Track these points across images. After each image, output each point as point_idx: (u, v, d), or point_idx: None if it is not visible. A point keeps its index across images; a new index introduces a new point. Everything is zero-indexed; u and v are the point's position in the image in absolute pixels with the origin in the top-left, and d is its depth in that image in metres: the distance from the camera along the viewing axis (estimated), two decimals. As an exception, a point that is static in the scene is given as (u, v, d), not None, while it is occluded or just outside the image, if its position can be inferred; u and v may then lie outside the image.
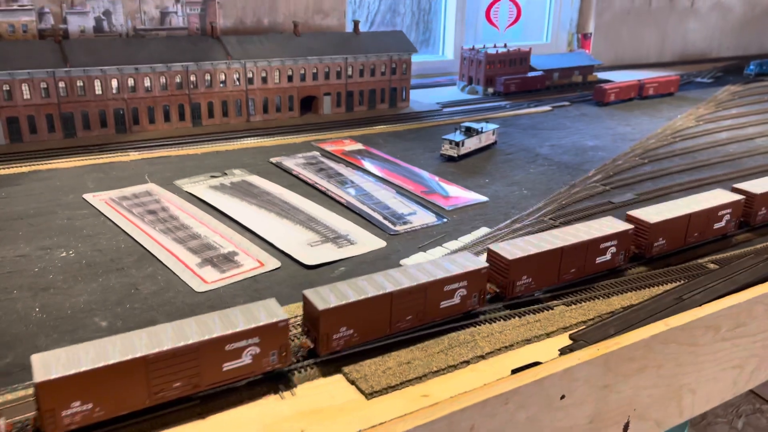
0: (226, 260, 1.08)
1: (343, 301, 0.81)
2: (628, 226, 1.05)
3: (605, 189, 1.49)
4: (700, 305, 0.93)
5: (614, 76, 2.88)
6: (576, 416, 0.83)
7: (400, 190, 1.44)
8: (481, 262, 0.93)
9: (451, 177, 1.55)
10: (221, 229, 1.20)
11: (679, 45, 3.57)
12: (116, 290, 1.00)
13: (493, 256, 0.96)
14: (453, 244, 1.18)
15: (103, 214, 1.27)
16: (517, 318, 0.93)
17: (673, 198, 1.24)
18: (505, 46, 2.63)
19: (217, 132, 1.85)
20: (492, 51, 2.51)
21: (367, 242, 1.18)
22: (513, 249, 0.96)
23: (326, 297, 0.81)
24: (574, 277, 1.02)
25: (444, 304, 0.89)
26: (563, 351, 0.85)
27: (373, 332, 0.84)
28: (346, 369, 0.81)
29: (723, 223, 1.18)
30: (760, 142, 1.93)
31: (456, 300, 0.89)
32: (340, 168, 1.58)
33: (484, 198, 1.41)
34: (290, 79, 2.00)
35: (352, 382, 0.79)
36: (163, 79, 1.82)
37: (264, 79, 1.95)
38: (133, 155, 1.65)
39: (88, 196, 1.35)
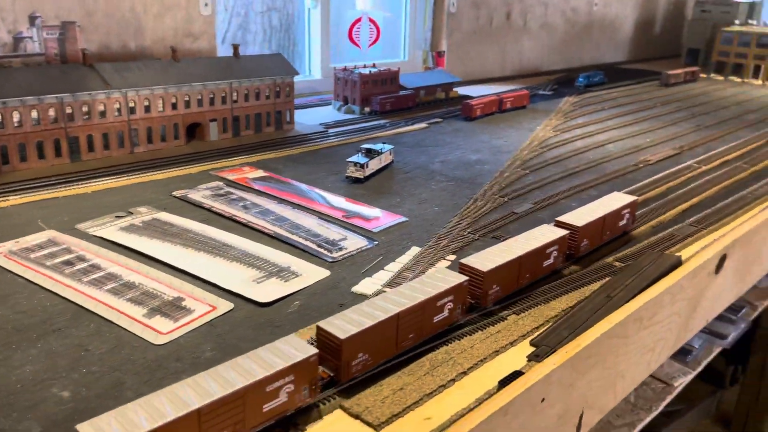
0: (175, 307, 1.03)
1: (360, 327, 0.83)
2: (564, 232, 1.19)
3: (504, 200, 1.63)
4: (627, 301, 1.07)
5: (469, 91, 3.11)
6: (550, 416, 0.92)
7: (322, 216, 1.46)
8: (460, 276, 1.00)
9: (363, 199, 1.60)
10: (155, 275, 1.14)
11: (516, 60, 3.94)
12: (63, 354, 0.91)
13: (466, 270, 1.03)
14: (393, 267, 1.22)
15: (7, 270, 1.14)
16: (480, 332, 1.00)
17: (562, 204, 1.39)
18: (374, 65, 2.74)
19: (101, 167, 1.72)
20: (364, 71, 2.59)
21: (311, 273, 1.18)
22: (484, 262, 1.04)
23: (342, 326, 0.83)
24: (528, 281, 1.13)
25: (437, 318, 0.94)
26: (531, 357, 0.94)
27: (383, 354, 0.88)
28: (346, 404, 0.82)
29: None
30: (611, 148, 2.21)
31: (445, 313, 0.96)
32: (252, 197, 1.55)
33: (403, 218, 1.48)
34: (174, 106, 1.91)
35: (356, 416, 0.81)
36: (35, 113, 1.65)
37: (147, 108, 1.85)
38: (13, 199, 1.48)
39: (-20, 251, 1.20)
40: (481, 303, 1.04)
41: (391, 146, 1.89)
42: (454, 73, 3.29)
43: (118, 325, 0.98)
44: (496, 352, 0.95)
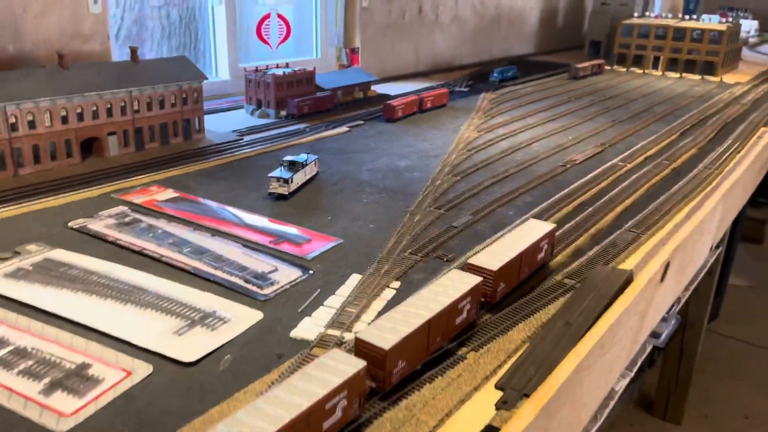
0: (80, 378, 0.86)
1: (399, 336, 0.84)
2: (548, 229, 1.20)
3: (441, 212, 1.54)
4: (588, 328, 1.01)
5: (387, 90, 3.02)
6: (524, 468, 0.83)
7: (247, 244, 1.31)
8: (475, 277, 1.02)
9: (290, 219, 1.46)
10: (52, 334, 0.95)
11: (430, 55, 3.88)
12: (-65, 459, 0.72)
13: (473, 269, 1.04)
14: (334, 301, 1.10)
15: None
16: (440, 378, 0.90)
17: (499, 214, 1.32)
18: (287, 65, 2.58)
19: (-21, 194, 1.48)
20: (278, 72, 2.43)
21: (241, 317, 1.04)
22: (490, 260, 1.06)
23: (381, 336, 0.84)
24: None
25: (458, 320, 0.98)
26: (499, 405, 0.85)
27: (416, 360, 0.90)
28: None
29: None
30: (537, 148, 2.18)
31: (464, 315, 0.99)
32: (164, 224, 1.38)
33: (338, 240, 1.35)
34: (65, 120, 1.68)
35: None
36: None
37: (32, 124, 1.61)
38: None
39: None
40: (490, 300, 1.07)
41: (315, 156, 1.75)
42: (369, 70, 3.18)
43: (7, 408, 0.80)
44: (462, 402, 0.86)
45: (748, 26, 6.89)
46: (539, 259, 1.22)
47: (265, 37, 2.98)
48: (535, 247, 1.18)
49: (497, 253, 1.11)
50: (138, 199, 1.52)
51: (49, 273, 1.13)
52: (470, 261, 1.08)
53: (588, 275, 1.19)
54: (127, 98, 1.81)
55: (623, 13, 4.74)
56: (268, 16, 2.96)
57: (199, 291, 1.10)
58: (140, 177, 1.68)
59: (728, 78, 3.95)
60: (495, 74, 3.47)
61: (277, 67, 2.54)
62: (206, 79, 2.02)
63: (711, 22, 4.33)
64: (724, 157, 2.09)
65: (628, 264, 1.28)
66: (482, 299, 1.05)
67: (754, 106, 3.03)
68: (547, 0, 5.09)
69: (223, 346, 0.96)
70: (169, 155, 1.87)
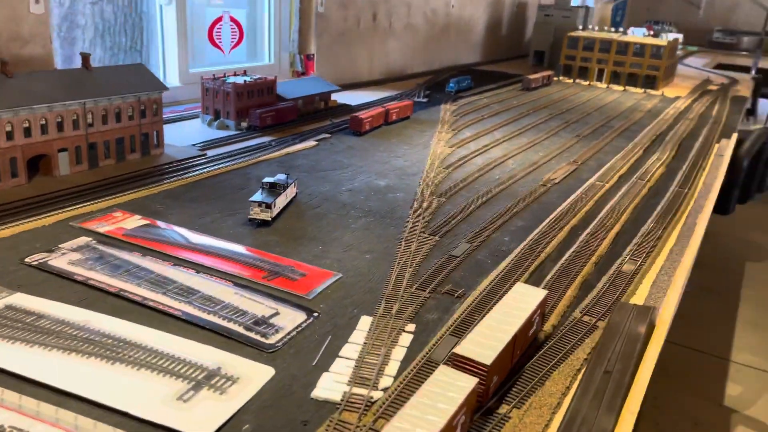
0: (76, 466, 0.72)
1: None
2: (540, 297, 1.03)
3: (436, 239, 1.45)
4: (632, 375, 0.95)
5: (346, 99, 2.91)
6: None
7: (237, 281, 1.18)
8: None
9: (278, 249, 1.33)
10: (31, 407, 0.80)
11: (383, 63, 3.80)
12: None
13: (460, 362, 0.88)
14: (349, 351, 0.99)
15: None
16: (489, 443, 0.82)
17: (496, 240, 1.25)
18: (245, 72, 2.43)
19: None
20: (238, 80, 2.28)
21: (251, 374, 0.91)
22: (479, 349, 0.88)
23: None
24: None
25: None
26: (561, 475, 0.77)
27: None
28: None
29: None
30: (512, 164, 2.14)
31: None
32: (137, 259, 1.22)
33: (336, 274, 1.24)
34: (10, 136, 1.49)
35: None
36: None
37: (-29, 140, 1.41)
38: None
39: None
40: (482, 400, 0.87)
41: (294, 178, 1.63)
42: (325, 78, 3.07)
43: None
44: (521, 473, 0.77)
45: (669, 38, 7.24)
46: (531, 334, 1.03)
47: (217, 41, 2.81)
48: (527, 324, 0.98)
49: (486, 336, 0.90)
50: (102, 228, 1.35)
51: (13, 325, 0.97)
52: (457, 351, 0.86)
53: (611, 315, 1.13)
54: (80, 111, 1.63)
55: (566, 24, 4.84)
56: (220, 19, 2.79)
57: (197, 343, 0.97)
58: (98, 201, 1.50)
59: (668, 92, 4.09)
60: (451, 84, 3.43)
61: (235, 74, 2.38)
62: (167, 89, 1.85)
63: (636, 35, 4.47)
64: (693, 175, 2.12)
65: (639, 296, 1.24)
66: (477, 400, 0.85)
67: (701, 122, 3.13)
68: (493, 10, 5.12)
69: (236, 413, 0.83)
70: (127, 174, 1.70)
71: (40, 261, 1.18)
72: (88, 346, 0.93)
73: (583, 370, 0.98)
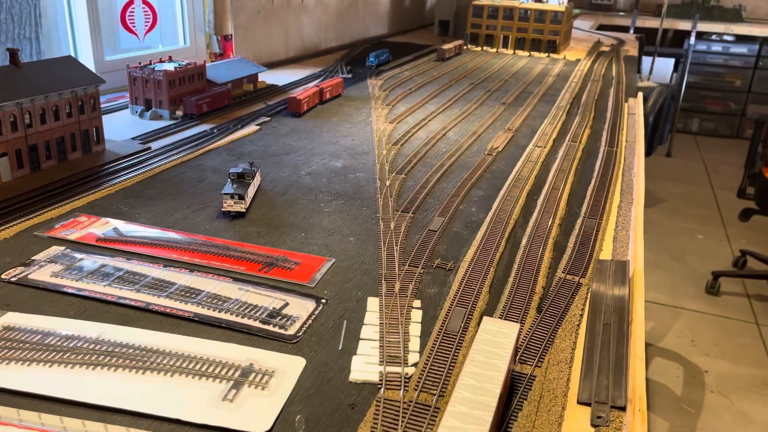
0: (148, 479, 0.71)
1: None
2: (513, 335, 0.90)
3: (411, 216, 1.50)
4: (628, 325, 1.05)
5: (273, 79, 2.87)
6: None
7: (236, 276, 1.17)
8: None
9: (261, 239, 1.33)
10: (71, 427, 0.77)
11: (299, 40, 3.75)
12: None
13: None
14: (368, 332, 1.03)
15: None
16: (526, 402, 0.88)
17: (465, 212, 1.33)
18: (170, 58, 2.33)
19: None
20: (168, 67, 2.18)
21: (284, 366, 0.93)
22: (467, 426, 0.76)
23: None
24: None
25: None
26: (595, 422, 0.85)
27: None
28: None
29: None
30: (453, 136, 2.21)
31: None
32: (123, 263, 1.18)
33: (329, 259, 1.26)
34: (-55, 143, 1.37)
35: None
36: None
37: None
38: None
39: None
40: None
41: (258, 166, 1.61)
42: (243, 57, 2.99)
43: None
44: (559, 425, 0.85)
45: (557, 1, 7.60)
46: (508, 380, 0.88)
47: (131, 26, 2.66)
48: (508, 372, 0.86)
49: (469, 403, 0.76)
50: (72, 235, 1.28)
51: (20, 347, 0.92)
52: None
53: (593, 272, 1.24)
54: (17, 111, 1.51)
55: (468, -6, 4.95)
56: (132, 2, 2.64)
57: (221, 342, 0.96)
58: (57, 207, 1.42)
59: (569, 55, 4.33)
60: (371, 59, 3.45)
61: (161, 61, 2.28)
62: (103, 81, 1.75)
63: (525, 2, 4.68)
64: (616, 134, 2.29)
65: (606, 251, 1.35)
66: None
67: (606, 83, 3.35)
68: (395, -20, 5.15)
69: (285, 405, 0.85)
70: (74, 176, 1.60)
71: (20, 276, 1.11)
72: (111, 359, 0.90)
73: (582, 325, 1.08)
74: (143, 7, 2.70)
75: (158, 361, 0.91)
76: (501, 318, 1.08)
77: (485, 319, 0.94)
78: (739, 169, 4.35)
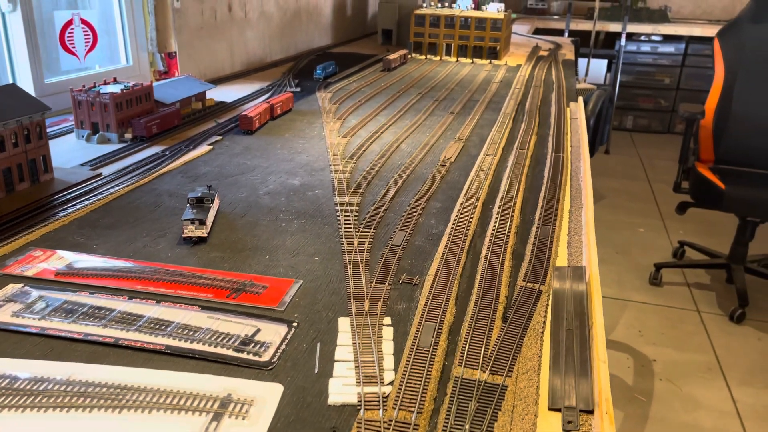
0: None
1: None
2: None
3: (373, 232, 1.52)
4: (589, 330, 1.10)
5: (221, 96, 2.84)
6: (597, 477, 0.89)
7: (204, 305, 1.16)
8: None
9: (225, 264, 1.33)
10: (56, 475, 0.76)
11: (243, 54, 3.72)
12: None
13: None
14: (342, 353, 1.04)
15: None
16: (500, 413, 0.92)
17: (425, 225, 1.36)
18: (115, 80, 2.29)
19: None
20: (114, 89, 2.14)
21: (262, 394, 0.93)
22: None
23: None
24: None
25: None
26: (566, 427, 0.89)
27: None
28: None
29: None
30: (406, 148, 2.25)
31: None
32: (86, 298, 1.16)
33: (296, 281, 1.27)
34: None
35: None
36: None
37: None
38: None
39: None
40: None
41: (216, 189, 1.60)
42: (189, 75, 2.96)
43: None
44: None
45: (495, 8, 7.80)
46: None
47: (70, 47, 2.59)
48: None
49: None
50: (28, 271, 1.25)
51: (-12, 394, 0.89)
52: None
53: (552, 279, 1.29)
54: (-39, 144, 1.46)
55: (410, 2, 5.03)
56: (71, 22, 2.57)
57: (196, 374, 0.96)
58: (8, 243, 1.38)
59: (510, 60, 4.45)
60: (318, 71, 3.46)
61: (105, 83, 2.23)
62: (49, 109, 1.71)
63: (461, 8, 4.80)
64: (562, 139, 2.38)
65: (561, 257, 1.41)
66: None
67: (547, 88, 3.47)
68: (337, -9, 5.18)
69: (267, 434, 0.86)
70: (24, 207, 1.56)
71: (-23, 318, 1.08)
72: (85, 400, 0.89)
73: (546, 333, 1.12)
74: (83, 27, 2.63)
75: (134, 398, 0.90)
76: (469, 330, 1.11)
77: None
78: (672, 163, 4.57)
